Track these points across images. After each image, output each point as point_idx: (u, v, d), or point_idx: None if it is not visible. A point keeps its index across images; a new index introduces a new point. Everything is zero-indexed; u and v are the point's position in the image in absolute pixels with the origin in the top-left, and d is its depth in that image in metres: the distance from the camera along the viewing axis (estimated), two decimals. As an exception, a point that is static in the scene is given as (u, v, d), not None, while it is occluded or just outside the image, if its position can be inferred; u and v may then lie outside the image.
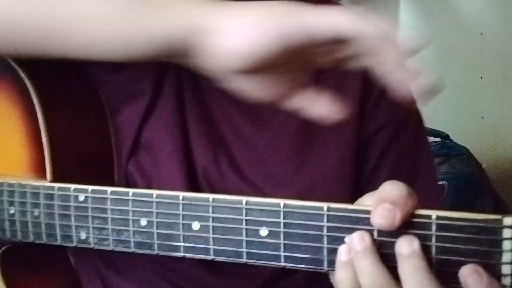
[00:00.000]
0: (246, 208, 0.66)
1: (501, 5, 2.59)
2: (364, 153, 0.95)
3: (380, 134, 0.95)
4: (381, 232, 0.59)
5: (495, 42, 2.61)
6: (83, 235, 0.77)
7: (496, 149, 2.58)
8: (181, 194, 0.70)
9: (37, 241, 0.81)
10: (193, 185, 0.89)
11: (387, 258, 0.59)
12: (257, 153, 0.91)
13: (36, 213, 0.80)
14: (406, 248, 0.56)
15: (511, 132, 2.57)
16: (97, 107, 0.93)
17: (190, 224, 0.70)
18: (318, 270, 0.63)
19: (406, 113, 0.97)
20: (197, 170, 0.91)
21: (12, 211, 0.82)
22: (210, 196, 0.68)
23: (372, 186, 0.92)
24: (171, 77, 0.91)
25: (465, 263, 0.55)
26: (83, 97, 0.93)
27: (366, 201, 0.63)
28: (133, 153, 0.92)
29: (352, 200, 0.90)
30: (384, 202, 0.57)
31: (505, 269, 0.53)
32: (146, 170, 0.91)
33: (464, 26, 2.65)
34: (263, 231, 0.65)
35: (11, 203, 0.82)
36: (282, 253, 0.65)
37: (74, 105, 0.91)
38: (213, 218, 0.68)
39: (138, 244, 0.73)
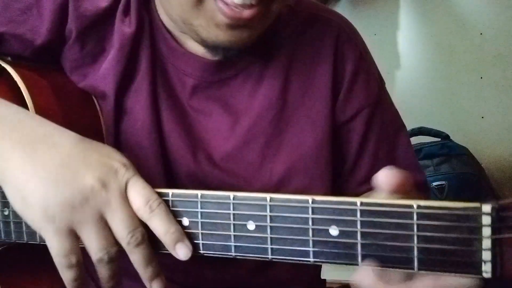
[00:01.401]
0: (233, 203, 0.66)
1: (501, 5, 2.58)
2: (345, 136, 0.99)
3: (359, 116, 0.99)
4: (364, 223, 0.59)
5: (495, 42, 2.60)
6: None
7: (496, 149, 2.58)
8: (171, 191, 0.71)
9: (30, 242, 0.81)
10: (176, 186, 0.91)
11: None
12: (236, 144, 0.93)
13: (30, 213, 0.80)
14: None
15: (511, 132, 2.56)
16: (93, 117, 0.94)
17: (180, 221, 0.70)
18: (305, 262, 0.64)
19: (379, 92, 1.01)
20: (178, 170, 0.93)
21: (6, 213, 0.82)
22: (199, 192, 0.69)
23: (358, 165, 0.95)
24: (142, 81, 0.93)
25: (446, 250, 0.55)
26: (79, 106, 0.94)
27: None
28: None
29: (329, 181, 0.93)
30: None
31: (485, 256, 0.53)
32: None
33: (464, 26, 2.65)
34: (250, 225, 0.66)
35: (4, 205, 0.82)
36: (269, 246, 0.65)
37: (69, 112, 0.91)
38: (201, 213, 0.69)
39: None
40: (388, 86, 2.46)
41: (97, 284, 0.97)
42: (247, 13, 0.77)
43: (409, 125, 2.50)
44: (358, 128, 1.00)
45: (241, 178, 0.92)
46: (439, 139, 2.47)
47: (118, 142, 0.94)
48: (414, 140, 2.52)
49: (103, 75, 0.93)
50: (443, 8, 2.67)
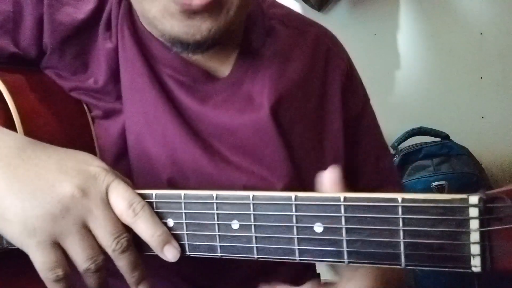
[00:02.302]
0: (216, 203, 0.66)
1: (501, 5, 2.57)
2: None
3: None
4: (348, 219, 0.58)
5: (495, 42, 2.59)
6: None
7: (496, 149, 2.56)
8: (154, 192, 0.70)
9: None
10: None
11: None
12: (240, 138, 0.91)
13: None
14: None
15: (511, 132, 2.55)
16: (80, 118, 0.93)
17: (165, 222, 0.69)
18: (291, 261, 0.62)
19: (362, 108, 1.05)
20: (192, 175, 0.91)
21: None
22: (182, 192, 0.68)
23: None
24: (140, 88, 0.91)
25: (434, 245, 0.54)
26: (64, 107, 0.93)
27: None
28: (119, 159, 0.92)
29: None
30: None
31: (474, 249, 0.52)
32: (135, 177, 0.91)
33: (464, 26, 2.63)
34: (235, 225, 0.65)
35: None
36: (254, 245, 0.64)
37: (55, 114, 0.90)
38: (185, 214, 0.68)
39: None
40: (388, 86, 2.44)
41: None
42: (197, 0, 0.75)
43: (409, 125, 2.52)
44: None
45: (257, 176, 0.91)
46: (439, 139, 2.47)
47: (123, 149, 0.93)
48: (414, 140, 2.51)
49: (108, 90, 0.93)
50: (443, 8, 2.66)
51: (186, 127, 0.90)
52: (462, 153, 2.38)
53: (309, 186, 0.90)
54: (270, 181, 0.89)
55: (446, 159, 2.35)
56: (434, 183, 2.28)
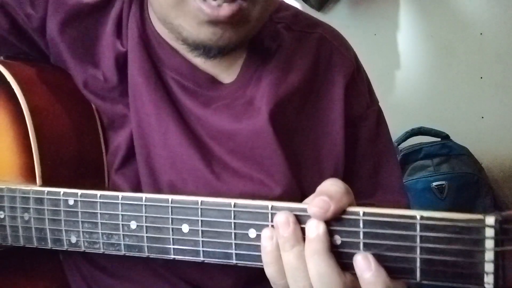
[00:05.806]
0: (234, 211, 0.66)
1: (501, 5, 2.57)
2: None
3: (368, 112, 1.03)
4: (366, 234, 0.59)
5: (495, 42, 2.59)
6: (73, 239, 0.77)
7: (496, 149, 2.57)
8: (170, 197, 0.70)
9: (27, 245, 0.81)
10: None
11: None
12: (239, 143, 0.92)
13: (26, 217, 0.79)
14: (313, 231, 0.60)
15: (511, 132, 2.56)
16: (89, 117, 0.93)
17: (180, 227, 0.70)
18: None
19: (366, 109, 1.05)
20: (190, 179, 0.91)
21: (2, 216, 0.82)
22: (199, 199, 0.69)
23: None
24: (141, 94, 0.92)
25: (449, 262, 0.55)
26: (74, 106, 0.93)
27: None
28: (127, 161, 0.93)
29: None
30: (321, 195, 0.61)
31: (488, 268, 0.53)
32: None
33: (464, 26, 2.64)
34: (252, 234, 0.66)
35: (0, 208, 0.81)
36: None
37: (65, 112, 0.90)
38: (202, 221, 0.68)
39: (129, 247, 0.74)
40: (388, 86, 2.44)
41: (84, 277, 0.98)
42: (224, 10, 0.77)
43: (409, 125, 2.52)
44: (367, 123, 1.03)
45: (257, 180, 0.91)
46: (439, 139, 2.47)
47: (128, 155, 0.94)
48: (414, 140, 2.52)
49: (121, 98, 0.94)
50: (443, 8, 2.66)
51: (187, 131, 0.91)
52: (462, 153, 2.38)
53: (308, 190, 0.92)
54: (268, 185, 0.90)
55: (446, 159, 2.36)
56: (434, 183, 2.29)
